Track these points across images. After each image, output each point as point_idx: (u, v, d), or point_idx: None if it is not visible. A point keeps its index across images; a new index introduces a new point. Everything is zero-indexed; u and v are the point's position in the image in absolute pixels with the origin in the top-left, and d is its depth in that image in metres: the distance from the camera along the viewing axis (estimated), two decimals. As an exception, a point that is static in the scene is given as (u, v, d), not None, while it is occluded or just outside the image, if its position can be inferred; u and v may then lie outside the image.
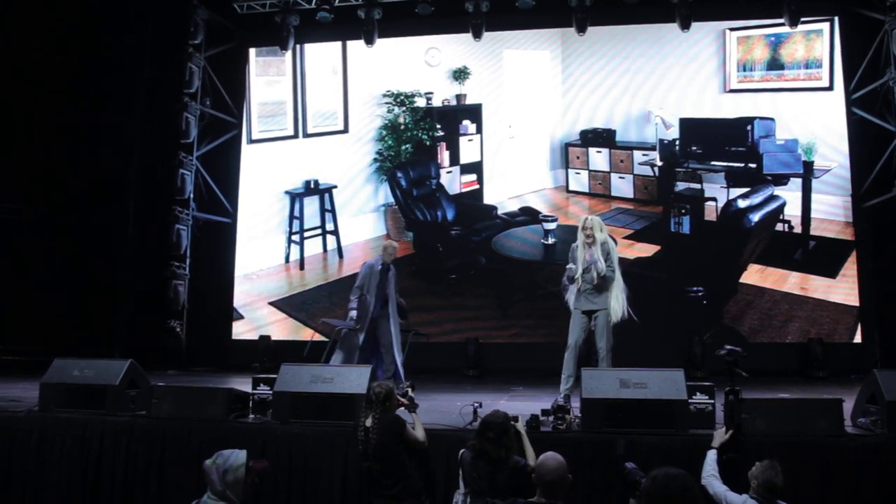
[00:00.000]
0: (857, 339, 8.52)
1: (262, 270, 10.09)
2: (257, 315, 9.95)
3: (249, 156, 10.27)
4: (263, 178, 10.22)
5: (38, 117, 9.24)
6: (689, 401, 5.16)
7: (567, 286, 6.54)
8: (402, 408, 4.78)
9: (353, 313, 7.38)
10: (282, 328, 9.82)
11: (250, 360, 8.98)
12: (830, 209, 8.90)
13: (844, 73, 8.86)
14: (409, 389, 4.99)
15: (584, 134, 9.75)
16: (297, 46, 10.08)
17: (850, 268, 8.71)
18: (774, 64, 9.29)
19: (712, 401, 5.22)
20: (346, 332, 7.55)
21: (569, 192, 9.86)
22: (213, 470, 3.35)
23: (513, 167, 10.03)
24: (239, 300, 9.98)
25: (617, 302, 6.37)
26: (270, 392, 5.69)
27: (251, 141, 10.33)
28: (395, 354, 7.33)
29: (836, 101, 8.92)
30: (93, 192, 9.38)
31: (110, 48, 9.48)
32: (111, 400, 5.78)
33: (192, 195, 9.44)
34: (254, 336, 9.58)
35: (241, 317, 9.95)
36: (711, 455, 4.32)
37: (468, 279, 9.64)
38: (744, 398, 4.72)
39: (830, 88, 9.03)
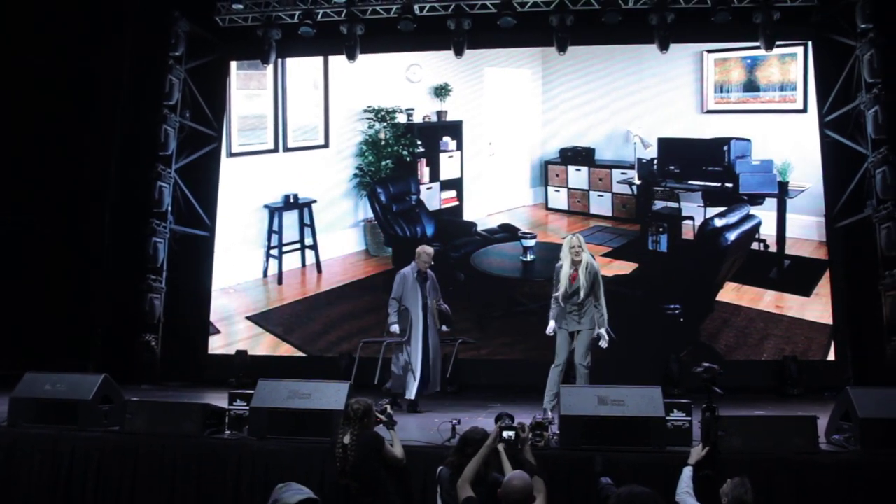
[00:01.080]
0: (831, 356, 8.63)
1: (240, 284, 10.01)
2: (234, 329, 9.85)
3: (229, 169, 10.20)
4: (242, 192, 10.16)
5: (15, 126, 9.12)
6: (667, 418, 5.20)
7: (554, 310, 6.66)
8: (381, 425, 4.76)
9: (395, 327, 7.17)
10: (259, 343, 9.72)
11: (226, 375, 8.88)
12: (804, 228, 9.03)
13: (818, 96, 9.02)
14: (388, 406, 4.98)
15: (563, 152, 9.83)
16: (279, 60, 10.07)
17: (823, 286, 8.83)
18: (750, 86, 9.46)
19: (689, 418, 5.26)
20: (395, 358, 7.25)
21: (548, 209, 9.92)
22: (274, 494, 3.33)
23: (493, 184, 10.07)
24: (216, 314, 9.88)
25: (604, 318, 6.51)
26: (247, 408, 5.64)
27: (231, 154, 10.27)
28: (431, 370, 7.13)
29: (809, 123, 9.08)
30: (69, 202, 9.26)
31: (90, 58, 9.40)
32: (83, 415, 5.69)
33: (169, 208, 9.36)
34: (230, 351, 9.47)
35: (217, 331, 9.84)
36: (687, 472, 4.35)
37: (447, 295, 9.56)
38: (720, 415, 4.75)
39: (804, 111, 9.19)
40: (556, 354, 6.51)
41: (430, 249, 7.39)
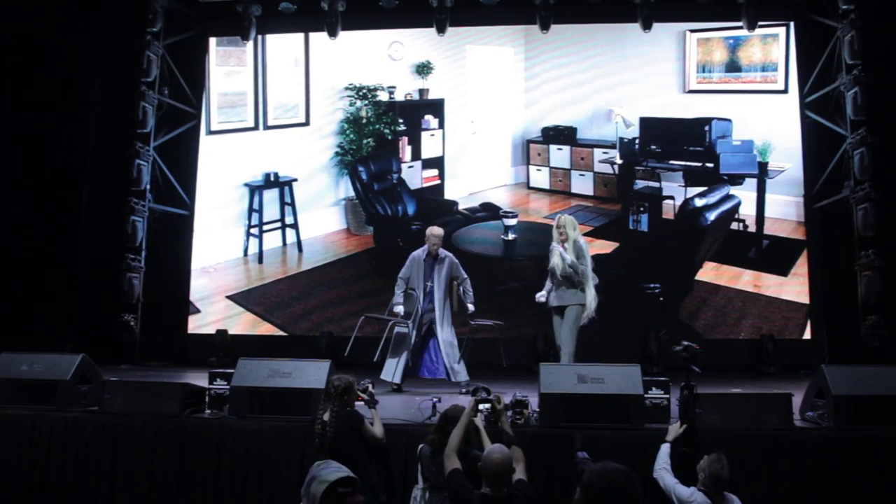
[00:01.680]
0: (807, 335, 8.76)
1: (220, 264, 9.93)
2: (214, 309, 9.79)
3: (208, 147, 10.08)
4: (222, 170, 10.05)
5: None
6: (645, 396, 5.26)
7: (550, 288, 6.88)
8: (362, 403, 4.77)
9: (399, 308, 6.96)
10: (239, 322, 9.68)
11: (207, 354, 8.85)
12: (783, 209, 9.12)
13: (799, 77, 9.07)
14: (370, 385, 4.99)
15: (545, 131, 9.82)
16: (259, 37, 9.92)
17: (801, 266, 8.94)
18: (732, 66, 9.48)
19: (667, 396, 5.33)
20: (397, 332, 7.06)
21: (529, 188, 9.93)
22: (311, 471, 3.28)
23: (474, 163, 10.05)
24: (196, 294, 9.80)
25: (591, 296, 6.75)
26: (227, 387, 5.63)
27: (210, 132, 10.15)
28: (444, 358, 6.94)
29: (790, 104, 9.13)
30: (46, 181, 9.10)
31: (66, 34, 9.19)
32: (61, 395, 5.65)
33: (148, 186, 9.24)
34: (210, 330, 9.43)
35: (197, 310, 9.78)
36: (664, 449, 4.42)
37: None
38: (698, 393, 4.82)
39: (785, 91, 9.24)
40: (556, 336, 6.90)
41: (437, 230, 7.11)
